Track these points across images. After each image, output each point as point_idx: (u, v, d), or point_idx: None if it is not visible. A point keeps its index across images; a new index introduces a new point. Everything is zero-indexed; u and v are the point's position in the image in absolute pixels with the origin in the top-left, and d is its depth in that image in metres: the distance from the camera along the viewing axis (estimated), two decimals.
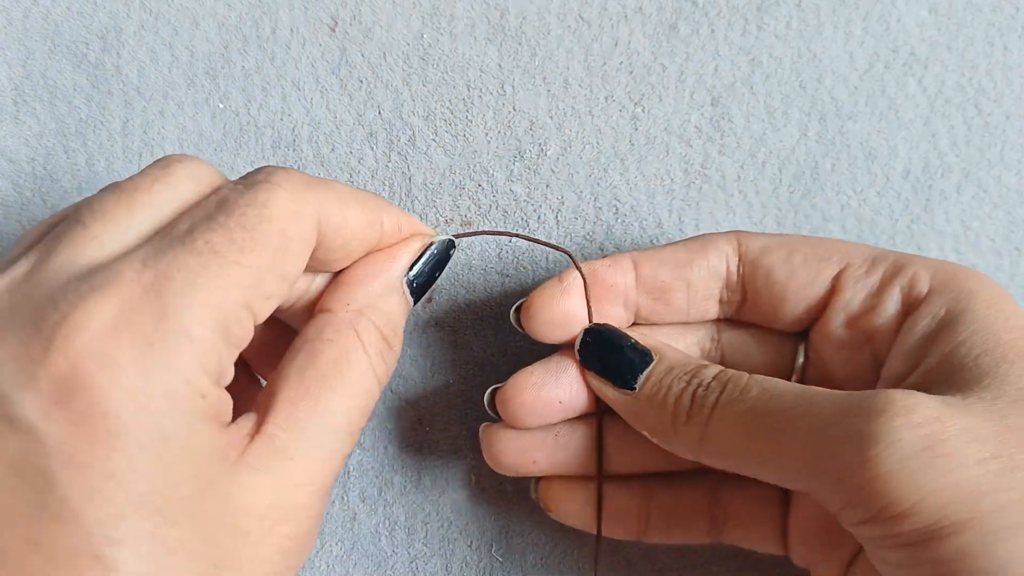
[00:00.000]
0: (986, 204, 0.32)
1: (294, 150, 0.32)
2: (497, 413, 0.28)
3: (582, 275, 0.27)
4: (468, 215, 0.32)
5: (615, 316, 0.27)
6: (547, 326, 0.27)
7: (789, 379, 0.27)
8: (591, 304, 0.27)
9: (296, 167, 0.32)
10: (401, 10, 0.32)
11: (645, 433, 0.26)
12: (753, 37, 0.32)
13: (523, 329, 0.28)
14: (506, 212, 0.32)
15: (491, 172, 0.32)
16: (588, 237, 0.32)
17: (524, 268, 0.32)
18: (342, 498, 0.32)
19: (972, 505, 0.19)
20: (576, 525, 0.29)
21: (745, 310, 0.27)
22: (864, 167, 0.32)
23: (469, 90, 0.32)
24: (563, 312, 0.27)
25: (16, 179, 0.32)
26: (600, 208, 0.32)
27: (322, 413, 0.23)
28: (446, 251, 0.27)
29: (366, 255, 0.26)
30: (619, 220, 0.32)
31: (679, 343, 0.28)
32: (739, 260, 0.27)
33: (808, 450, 0.22)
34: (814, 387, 0.23)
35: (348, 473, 0.32)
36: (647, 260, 0.27)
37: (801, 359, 0.27)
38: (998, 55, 0.32)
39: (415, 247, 0.26)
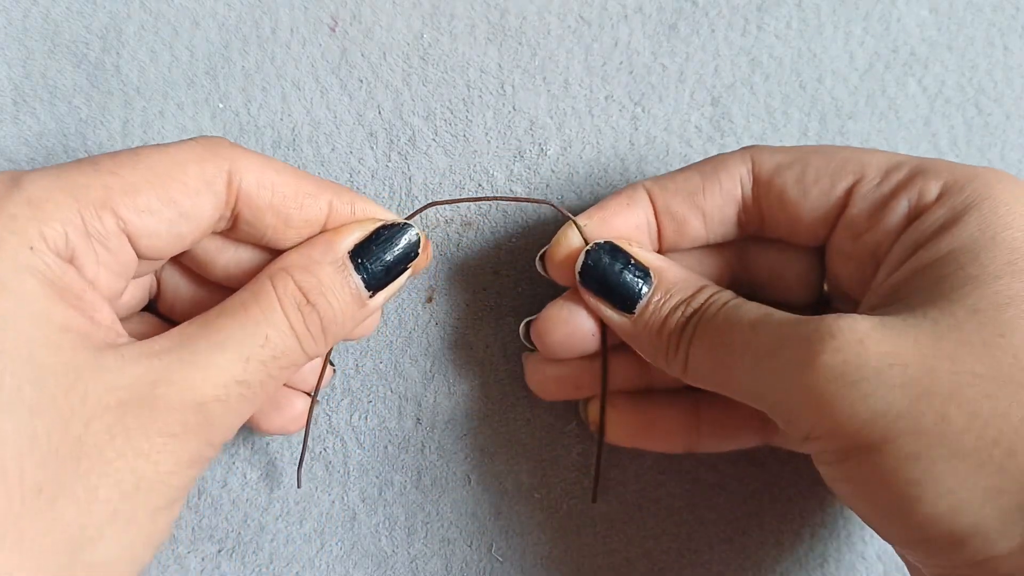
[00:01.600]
0: None
1: (294, 150, 0.32)
2: (533, 344, 0.29)
3: (576, 224, 0.27)
4: (468, 215, 0.32)
5: (644, 240, 0.27)
6: (568, 270, 0.28)
7: (819, 293, 0.28)
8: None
9: (296, 167, 0.32)
10: (401, 10, 0.32)
11: (643, 356, 0.27)
12: (753, 37, 0.32)
13: (547, 274, 0.28)
14: (506, 212, 0.32)
15: (491, 172, 0.32)
16: None
17: (524, 268, 0.32)
18: (342, 498, 0.32)
19: (885, 428, 0.20)
20: (624, 443, 0.29)
21: (765, 228, 0.27)
22: None
23: (469, 90, 0.32)
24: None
25: None
26: None
27: (209, 331, 0.23)
28: (401, 237, 0.26)
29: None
30: None
31: (703, 265, 0.28)
32: (753, 181, 0.26)
33: (753, 375, 0.23)
34: (774, 312, 0.24)
35: (348, 473, 0.32)
36: (660, 191, 0.27)
37: (827, 285, 0.28)
38: (998, 55, 0.32)
39: (366, 226, 0.26)
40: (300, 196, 0.25)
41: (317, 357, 0.26)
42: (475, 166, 0.32)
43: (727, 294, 0.25)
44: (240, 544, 0.32)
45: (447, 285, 0.32)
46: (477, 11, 0.32)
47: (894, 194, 0.24)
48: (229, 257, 0.26)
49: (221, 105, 0.32)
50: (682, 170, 0.27)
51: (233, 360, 0.23)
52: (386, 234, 0.26)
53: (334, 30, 0.32)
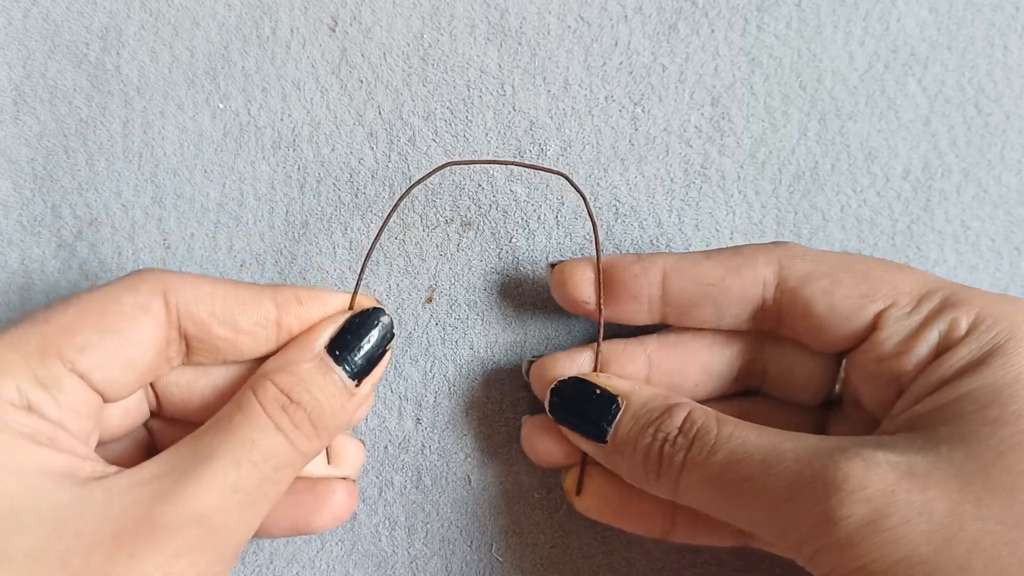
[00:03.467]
0: (986, 204, 0.32)
1: (294, 150, 0.32)
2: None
3: (593, 224, 0.28)
4: (468, 215, 0.32)
5: (636, 314, 0.27)
6: (570, 304, 0.28)
7: (832, 390, 0.27)
8: (602, 300, 0.28)
9: (296, 167, 0.32)
10: (401, 10, 0.32)
11: (626, 479, 0.27)
12: (753, 37, 0.32)
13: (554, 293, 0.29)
14: (506, 212, 0.32)
15: (491, 172, 0.32)
16: (588, 237, 0.32)
17: (524, 268, 0.32)
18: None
19: (907, 573, 0.20)
20: (597, 518, 0.29)
21: (782, 328, 0.27)
22: (864, 167, 0.32)
23: (469, 90, 0.32)
24: (584, 296, 0.28)
25: (16, 179, 0.32)
26: (600, 208, 0.32)
27: (198, 446, 0.23)
28: (375, 324, 0.26)
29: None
30: (619, 220, 0.32)
31: (712, 349, 0.28)
32: (777, 286, 0.26)
33: (767, 515, 0.23)
34: (782, 443, 0.23)
35: None
36: (677, 276, 0.26)
37: (841, 374, 0.27)
38: (998, 55, 0.32)
39: (337, 319, 0.26)
40: (240, 301, 0.25)
41: (317, 454, 0.26)
42: (475, 166, 0.32)
43: (705, 416, 0.25)
44: None
45: (447, 285, 0.32)
46: (477, 11, 0.32)
47: (924, 324, 0.24)
48: (205, 384, 0.27)
49: (221, 105, 0.32)
50: (705, 256, 0.27)
51: (225, 467, 0.23)
52: (359, 322, 0.26)
53: (334, 30, 0.32)
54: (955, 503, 0.21)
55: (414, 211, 0.32)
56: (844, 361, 0.27)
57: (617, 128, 0.32)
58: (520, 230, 0.32)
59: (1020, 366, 0.22)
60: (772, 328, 0.27)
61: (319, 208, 0.32)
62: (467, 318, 0.32)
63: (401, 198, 0.28)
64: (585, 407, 0.26)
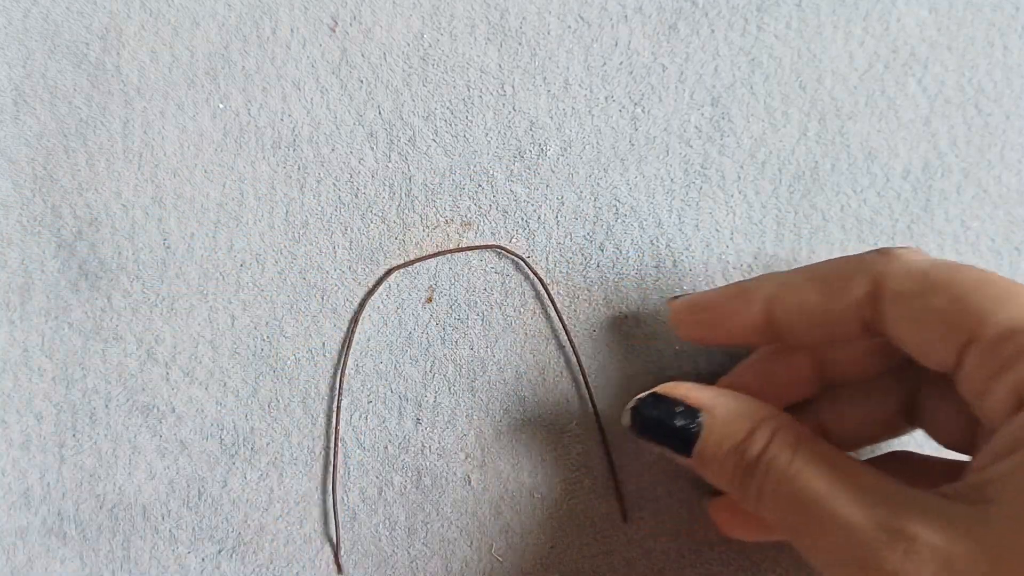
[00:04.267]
0: (986, 204, 0.32)
1: (294, 150, 0.32)
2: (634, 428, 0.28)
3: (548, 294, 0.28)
4: (468, 215, 0.32)
5: (745, 341, 0.27)
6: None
7: (901, 417, 0.27)
8: (710, 336, 0.28)
9: (296, 167, 0.32)
10: (401, 10, 0.32)
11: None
12: (753, 37, 0.32)
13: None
14: (506, 212, 0.32)
15: (491, 172, 0.32)
16: (588, 237, 0.32)
17: (523, 268, 0.32)
18: (342, 498, 0.32)
19: None
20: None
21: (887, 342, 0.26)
22: (864, 167, 0.32)
23: (469, 90, 0.32)
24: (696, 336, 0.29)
25: (16, 179, 0.32)
26: (600, 208, 0.32)
27: None
28: None
29: None
30: (619, 220, 0.32)
31: (788, 360, 0.28)
32: (872, 307, 0.24)
33: (835, 559, 0.22)
34: (838, 495, 0.23)
35: (348, 473, 0.32)
36: (779, 307, 0.26)
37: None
38: (998, 55, 0.32)
39: None
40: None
41: None
42: (475, 166, 0.32)
43: (785, 441, 0.24)
44: (240, 544, 0.32)
45: (447, 285, 0.32)
46: (477, 11, 0.32)
47: (1005, 368, 0.22)
48: None
49: (221, 105, 0.32)
50: (806, 277, 0.26)
51: None
52: None
53: (334, 30, 0.32)
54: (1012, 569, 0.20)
55: (414, 211, 0.32)
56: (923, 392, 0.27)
57: (617, 128, 0.32)
58: (520, 230, 0.32)
59: None
60: (878, 340, 0.26)
61: (319, 208, 0.32)
62: (467, 318, 0.32)
63: (358, 312, 0.30)
64: (668, 424, 0.26)
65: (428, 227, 0.32)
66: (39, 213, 0.32)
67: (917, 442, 0.30)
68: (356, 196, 0.32)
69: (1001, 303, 0.22)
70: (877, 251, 0.25)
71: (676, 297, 0.29)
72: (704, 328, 0.28)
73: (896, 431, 0.29)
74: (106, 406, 0.32)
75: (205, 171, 0.32)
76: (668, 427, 0.26)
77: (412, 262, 0.31)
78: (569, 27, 0.32)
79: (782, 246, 0.32)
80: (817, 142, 0.32)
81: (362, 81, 0.32)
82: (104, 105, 0.32)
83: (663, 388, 0.27)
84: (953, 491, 0.22)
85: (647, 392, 0.27)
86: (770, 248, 0.32)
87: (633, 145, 0.32)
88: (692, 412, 0.26)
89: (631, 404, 0.27)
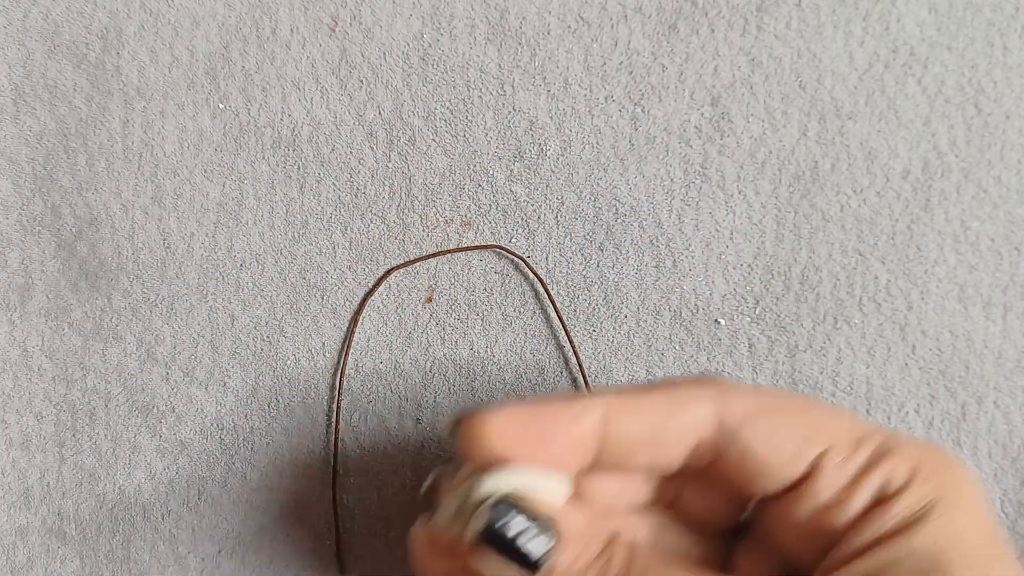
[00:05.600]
0: (986, 204, 0.32)
1: (294, 150, 0.32)
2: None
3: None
4: (468, 215, 0.32)
5: (574, 464, 0.24)
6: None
7: (737, 524, 0.26)
8: (528, 448, 0.24)
9: (296, 167, 0.32)
10: (401, 10, 0.32)
11: None
12: (753, 37, 0.32)
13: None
14: (506, 212, 0.32)
15: (491, 172, 0.32)
16: (588, 237, 0.32)
17: (523, 268, 0.32)
18: (342, 498, 0.32)
19: None
20: None
21: (704, 472, 0.25)
22: (864, 167, 0.32)
23: (469, 90, 0.32)
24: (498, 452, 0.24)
25: (16, 179, 0.32)
26: (600, 208, 0.32)
27: None
28: None
29: None
30: (619, 220, 0.32)
31: (620, 487, 0.26)
32: (716, 427, 0.24)
33: None
34: None
35: (348, 473, 0.32)
36: (618, 417, 0.24)
37: (748, 513, 0.26)
38: (998, 55, 0.32)
39: None
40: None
41: None
42: (475, 166, 0.32)
43: (643, 559, 0.23)
44: (240, 544, 0.32)
45: (447, 285, 0.32)
46: (477, 11, 0.32)
47: (862, 474, 0.23)
48: None
49: (221, 105, 0.32)
50: (643, 394, 0.25)
51: None
52: None
53: (334, 30, 0.32)
54: None
55: (414, 211, 0.32)
56: (752, 503, 0.26)
57: (617, 128, 0.32)
58: (520, 230, 0.32)
59: (958, 526, 0.22)
60: (696, 472, 0.25)
61: (319, 208, 0.32)
62: (467, 318, 0.32)
63: (358, 312, 0.30)
64: (520, 534, 0.23)
65: (428, 227, 0.32)
66: (39, 213, 0.32)
67: None
68: (356, 196, 0.32)
69: (836, 419, 0.24)
70: (702, 376, 0.25)
71: (464, 415, 0.24)
72: (527, 444, 0.24)
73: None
74: (106, 406, 0.32)
75: (205, 171, 0.32)
76: (519, 536, 0.23)
77: (412, 262, 0.31)
78: (569, 27, 0.32)
79: (782, 246, 0.32)
80: (817, 142, 0.32)
81: (362, 81, 0.32)
82: (104, 105, 0.32)
83: (514, 493, 0.24)
84: None
85: (501, 492, 0.23)
86: (770, 248, 0.32)
87: (633, 145, 0.32)
88: (545, 523, 0.23)
89: (488, 503, 0.23)
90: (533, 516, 0.23)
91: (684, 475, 0.26)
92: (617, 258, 0.32)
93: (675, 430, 0.24)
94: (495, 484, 0.23)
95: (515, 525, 0.23)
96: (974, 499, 0.23)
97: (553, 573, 0.23)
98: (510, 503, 0.23)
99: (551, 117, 0.32)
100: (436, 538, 0.25)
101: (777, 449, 0.24)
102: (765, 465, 0.24)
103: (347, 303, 0.32)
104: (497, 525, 0.23)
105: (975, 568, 0.22)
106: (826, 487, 0.23)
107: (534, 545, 0.23)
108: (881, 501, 0.23)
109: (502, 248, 0.31)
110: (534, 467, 0.24)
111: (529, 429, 0.24)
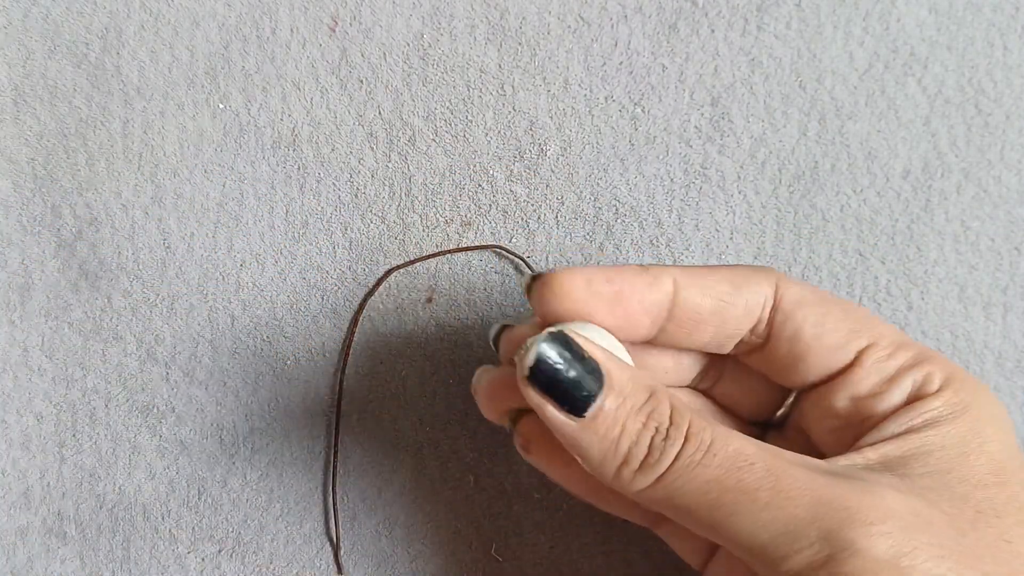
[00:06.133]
0: (986, 204, 0.32)
1: (294, 150, 0.32)
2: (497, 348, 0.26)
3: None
4: (468, 215, 0.32)
5: (636, 328, 0.25)
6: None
7: (770, 419, 0.27)
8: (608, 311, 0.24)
9: (296, 167, 0.32)
10: (401, 10, 0.32)
11: (583, 464, 0.23)
12: (753, 37, 0.32)
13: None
14: (506, 212, 0.32)
15: (491, 172, 0.32)
16: (588, 237, 0.32)
17: (523, 268, 0.32)
18: (342, 498, 0.32)
19: None
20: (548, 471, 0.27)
21: (756, 356, 0.26)
22: (864, 167, 0.32)
23: (469, 90, 0.32)
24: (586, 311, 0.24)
25: (16, 179, 0.32)
26: (600, 208, 0.32)
27: None
28: None
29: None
30: (619, 220, 0.32)
31: (673, 363, 0.27)
32: (773, 306, 0.25)
33: (769, 535, 0.21)
34: (783, 459, 0.22)
35: (348, 473, 0.32)
36: (689, 288, 0.25)
37: (784, 410, 0.27)
38: (998, 55, 0.32)
39: None
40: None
41: None
42: (475, 166, 0.32)
43: (692, 411, 0.23)
44: (240, 544, 0.32)
45: (447, 285, 0.32)
46: (477, 11, 0.32)
47: (901, 372, 0.24)
48: None
49: (221, 105, 0.32)
50: (708, 270, 0.25)
51: None
52: None
53: (334, 30, 0.32)
54: (958, 551, 0.21)
55: (414, 211, 0.32)
56: (793, 397, 0.27)
57: (617, 128, 0.32)
58: (520, 230, 0.32)
59: (982, 435, 0.23)
60: (747, 355, 0.26)
61: (319, 208, 0.32)
62: (467, 318, 0.32)
63: (358, 313, 0.30)
64: (568, 372, 0.22)
65: (428, 227, 0.32)
66: (39, 213, 0.32)
67: None
68: (356, 196, 0.32)
69: (881, 323, 0.25)
70: (762, 268, 0.26)
71: (542, 273, 0.24)
72: (601, 303, 0.24)
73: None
74: (106, 406, 0.32)
75: (205, 171, 0.32)
76: (568, 374, 0.22)
77: (412, 262, 0.31)
78: (569, 27, 0.32)
79: (782, 246, 0.32)
80: (817, 142, 0.32)
81: (362, 81, 0.32)
82: (104, 105, 0.32)
83: (569, 328, 0.23)
84: (854, 462, 0.23)
85: (554, 328, 0.23)
86: (770, 248, 0.32)
87: (633, 145, 0.32)
88: (592, 365, 0.23)
89: (539, 338, 0.22)
90: (581, 356, 0.23)
91: (728, 361, 0.27)
92: (617, 258, 0.32)
93: (739, 305, 0.25)
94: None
95: (563, 363, 0.22)
96: (1003, 417, 0.24)
97: (597, 417, 0.22)
98: (562, 341, 0.22)
99: (551, 117, 0.32)
100: (497, 378, 0.25)
101: (826, 335, 0.24)
102: (812, 348, 0.24)
103: (347, 303, 0.32)
104: (547, 362, 0.22)
105: (1001, 471, 0.23)
106: (866, 378, 0.24)
107: (580, 386, 0.22)
108: (916, 399, 0.24)
109: (502, 248, 0.31)
110: (599, 327, 0.24)
111: (604, 290, 0.24)
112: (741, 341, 0.26)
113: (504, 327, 0.26)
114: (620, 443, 0.22)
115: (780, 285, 0.25)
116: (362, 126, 0.32)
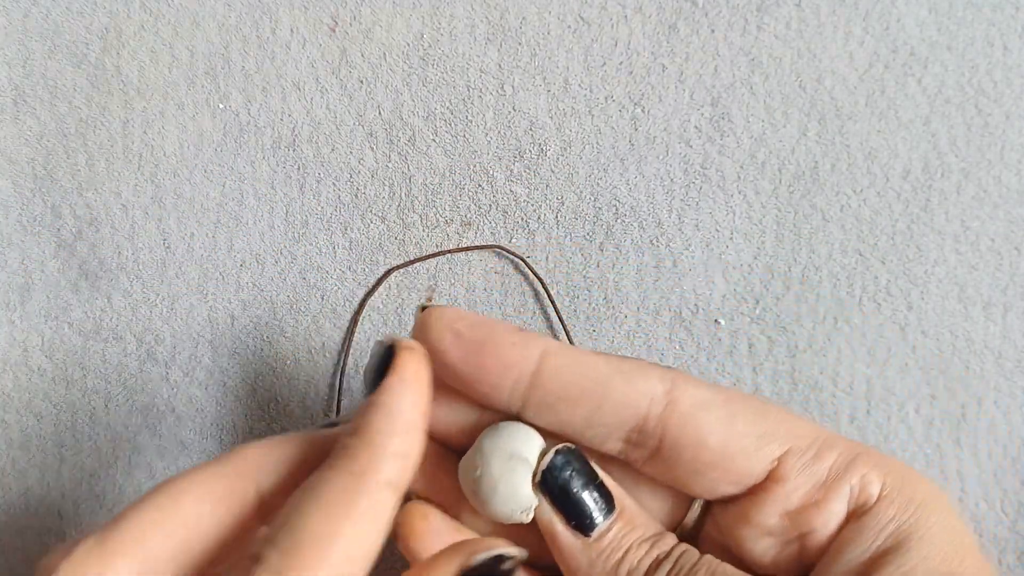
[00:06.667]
0: (986, 204, 0.32)
1: (294, 150, 0.32)
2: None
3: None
4: (468, 215, 0.32)
5: (494, 392, 0.23)
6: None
7: (673, 531, 0.24)
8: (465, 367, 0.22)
9: (296, 167, 0.32)
10: (401, 10, 0.32)
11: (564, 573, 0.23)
12: (753, 37, 0.32)
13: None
14: (506, 212, 0.32)
15: (491, 172, 0.32)
16: (588, 237, 0.32)
17: (523, 268, 0.32)
18: None
19: None
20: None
21: (655, 465, 0.23)
22: (864, 167, 0.32)
23: (469, 90, 0.32)
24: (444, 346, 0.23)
25: (16, 179, 0.32)
26: (600, 208, 0.32)
27: None
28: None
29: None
30: (619, 220, 0.32)
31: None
32: (666, 407, 0.22)
33: None
34: None
35: None
36: (559, 361, 0.22)
37: (694, 517, 0.24)
38: (998, 55, 0.32)
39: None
40: None
41: None
42: (475, 166, 0.32)
43: (692, 549, 0.23)
44: None
45: (447, 285, 0.32)
46: (477, 11, 0.32)
47: (835, 477, 0.22)
48: None
49: (221, 105, 0.32)
50: (594, 352, 0.23)
51: None
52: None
53: (334, 30, 0.32)
54: None
55: (414, 211, 0.32)
56: (699, 504, 0.24)
57: (617, 128, 0.32)
58: (520, 230, 0.32)
59: (942, 551, 0.21)
60: (640, 461, 0.23)
61: (319, 208, 0.32)
62: None
63: (358, 313, 0.30)
64: (584, 490, 0.23)
65: (428, 227, 0.32)
66: (39, 213, 0.32)
67: None
68: (356, 196, 0.32)
69: (797, 418, 0.23)
70: (665, 366, 0.24)
71: (432, 305, 0.23)
72: (461, 349, 0.22)
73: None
74: (106, 406, 0.32)
75: (205, 171, 0.32)
76: (585, 491, 0.22)
77: (412, 262, 0.31)
78: (569, 27, 0.32)
79: (782, 246, 0.32)
80: (817, 142, 0.32)
81: (362, 81, 0.32)
82: (104, 105, 0.32)
83: (576, 449, 0.23)
84: None
85: (561, 445, 0.23)
86: (770, 248, 0.32)
87: (633, 145, 0.32)
88: (607, 494, 0.23)
89: (559, 447, 0.23)
90: (591, 477, 0.23)
91: (628, 469, 0.24)
92: (617, 258, 0.32)
93: (618, 391, 0.22)
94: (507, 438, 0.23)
95: (577, 481, 0.22)
96: (947, 507, 0.22)
97: (603, 539, 0.22)
98: (573, 457, 0.23)
99: (551, 117, 0.32)
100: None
101: (733, 440, 0.22)
102: (722, 456, 0.22)
103: (347, 303, 0.32)
104: (563, 475, 0.22)
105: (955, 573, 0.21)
106: (795, 490, 0.22)
107: (594, 505, 0.22)
108: (857, 513, 0.22)
109: (502, 248, 0.31)
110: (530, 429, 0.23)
111: (467, 335, 0.22)
112: (629, 443, 0.23)
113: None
114: (621, 564, 0.22)
115: (678, 385, 0.23)
116: (362, 126, 0.32)
